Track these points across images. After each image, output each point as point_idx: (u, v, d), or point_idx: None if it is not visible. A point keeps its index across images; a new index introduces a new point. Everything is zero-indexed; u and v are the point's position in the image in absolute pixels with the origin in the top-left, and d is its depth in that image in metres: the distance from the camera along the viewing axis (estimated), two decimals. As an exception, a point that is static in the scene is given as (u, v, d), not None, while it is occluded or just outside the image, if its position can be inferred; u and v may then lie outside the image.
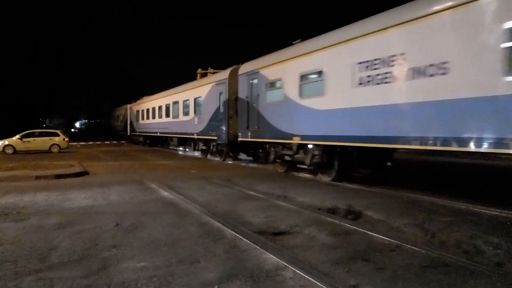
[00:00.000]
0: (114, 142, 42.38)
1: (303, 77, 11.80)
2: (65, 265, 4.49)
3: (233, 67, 17.32)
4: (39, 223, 6.47)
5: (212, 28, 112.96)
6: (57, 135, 25.60)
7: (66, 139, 25.62)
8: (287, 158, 13.19)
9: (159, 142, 32.26)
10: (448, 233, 5.72)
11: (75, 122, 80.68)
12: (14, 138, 23.88)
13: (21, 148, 23.66)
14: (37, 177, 11.99)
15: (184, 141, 24.44)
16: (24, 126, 28.92)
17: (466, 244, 5.25)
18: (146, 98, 34.09)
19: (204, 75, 24.59)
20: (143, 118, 34.04)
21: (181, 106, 23.70)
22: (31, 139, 24.25)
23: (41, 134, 25.32)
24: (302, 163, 12.30)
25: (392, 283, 4.01)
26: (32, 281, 4.03)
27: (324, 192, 9.44)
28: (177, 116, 24.35)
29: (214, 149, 19.32)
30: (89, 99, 68.64)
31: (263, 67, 14.24)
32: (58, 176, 12.25)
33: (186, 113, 22.87)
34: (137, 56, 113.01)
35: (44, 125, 56.89)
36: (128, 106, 40.18)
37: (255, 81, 14.70)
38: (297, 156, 12.44)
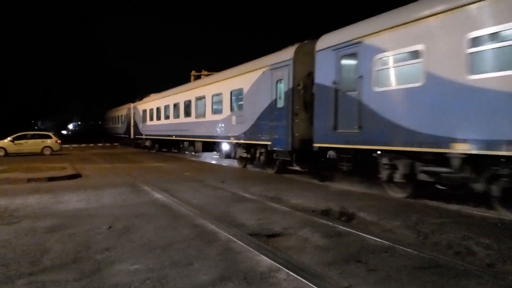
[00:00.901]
0: (108, 144, 42.13)
1: (480, 39, 7.03)
2: (57, 268, 4.46)
3: (299, 43, 12.80)
4: (31, 226, 6.42)
5: (211, 29, 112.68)
6: (49, 137, 25.45)
7: (59, 141, 25.48)
8: (426, 178, 8.30)
9: (171, 147, 27.51)
10: (440, 234, 5.77)
11: (68, 124, 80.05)
12: (5, 140, 23.70)
13: (12, 151, 23.45)
14: (29, 180, 11.90)
15: (211, 146, 19.47)
16: (16, 128, 28.71)
17: (458, 245, 5.30)
18: (154, 96, 29.24)
19: (198, 77, 24.58)
20: (151, 119, 29.07)
21: (209, 102, 18.79)
22: (23, 141, 24.07)
23: (33, 136, 25.20)
24: (463, 186, 7.70)
25: (385, 284, 4.04)
26: (24, 284, 4.00)
27: (317, 194, 9.46)
28: (203, 115, 19.52)
29: (263, 157, 14.34)
30: (86, 100, 68.17)
31: (371, 34, 9.39)
32: (51, 179, 12.17)
33: (217, 111, 17.98)
34: (133, 57, 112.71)
35: (36, 127, 56.44)
36: (132, 105, 35.38)
37: (353, 58, 9.95)
38: (458, 176, 7.56)
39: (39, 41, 50.83)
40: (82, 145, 39.37)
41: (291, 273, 4.22)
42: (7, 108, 43.68)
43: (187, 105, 21.85)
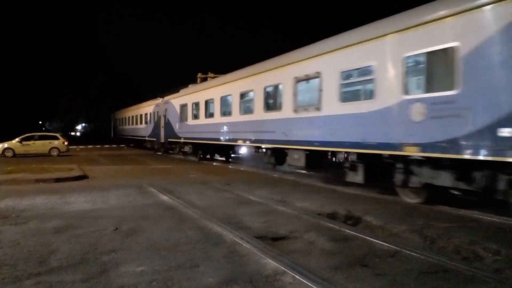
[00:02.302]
0: (114, 146, 42.35)
1: None
2: (64, 269, 4.48)
3: None
4: (38, 226, 6.47)
5: (212, 30, 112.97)
6: (56, 138, 25.68)
7: (66, 142, 25.70)
8: None
9: (222, 154, 21.78)
10: (447, 239, 5.73)
11: (75, 125, 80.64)
12: (13, 141, 23.92)
13: (20, 151, 23.66)
14: (37, 181, 11.99)
15: (325, 160, 12.28)
16: (24, 129, 28.98)
17: (465, 250, 5.26)
18: (199, 85, 22.09)
19: (204, 79, 24.63)
20: (195, 117, 21.20)
21: (332, 84, 10.60)
22: (30, 142, 24.30)
23: (40, 138, 25.41)
24: None
25: (391, 289, 4.02)
26: (31, 285, 4.03)
27: (323, 197, 9.44)
28: (314, 107, 11.42)
29: None
30: (90, 100, 68.68)
31: None
32: (58, 180, 12.25)
33: (352, 98, 10.46)
34: (137, 58, 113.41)
35: (43, 128, 57.01)
36: (162, 100, 27.92)
37: None
38: None
39: (41, 42, 51.48)
40: (88, 146, 39.64)
41: (297, 277, 4.21)
42: (13, 109, 44.12)
43: (270, 93, 14.09)
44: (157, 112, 28.84)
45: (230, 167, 18.23)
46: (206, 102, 19.68)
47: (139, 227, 6.39)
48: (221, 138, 17.89)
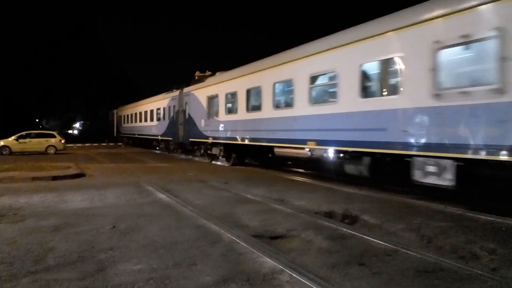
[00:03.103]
0: (111, 144, 42.25)
1: None
2: (61, 267, 4.48)
3: None
4: (35, 224, 6.45)
5: (210, 31, 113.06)
6: (53, 136, 25.61)
7: (63, 140, 25.63)
8: None
9: (251, 156, 17.75)
10: (444, 238, 5.75)
11: (73, 123, 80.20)
12: (10, 139, 23.84)
13: (17, 149, 23.59)
14: (34, 179, 11.95)
15: (470, 173, 7.58)
16: (20, 127, 28.88)
17: (462, 249, 5.28)
18: (236, 71, 16.68)
19: (201, 78, 24.53)
20: (230, 111, 16.76)
21: None
22: (27, 140, 24.22)
23: (37, 136, 25.31)
24: None
25: (389, 287, 4.02)
26: (28, 283, 4.02)
27: (320, 196, 9.45)
28: (487, 89, 6.73)
29: None
30: (89, 99, 68.36)
31: None
32: (55, 178, 12.22)
33: None
34: (136, 58, 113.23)
35: (40, 126, 56.81)
36: (179, 92, 23.45)
37: None
38: None
39: (36, 42, 51.29)
40: (86, 144, 39.55)
41: (294, 275, 4.22)
42: (10, 107, 44.00)
43: (373, 73, 9.70)
44: (174, 106, 24.25)
45: (226, 165, 18.06)
46: (248, 92, 15.16)
47: (136, 226, 6.38)
48: (276, 138, 13.48)
